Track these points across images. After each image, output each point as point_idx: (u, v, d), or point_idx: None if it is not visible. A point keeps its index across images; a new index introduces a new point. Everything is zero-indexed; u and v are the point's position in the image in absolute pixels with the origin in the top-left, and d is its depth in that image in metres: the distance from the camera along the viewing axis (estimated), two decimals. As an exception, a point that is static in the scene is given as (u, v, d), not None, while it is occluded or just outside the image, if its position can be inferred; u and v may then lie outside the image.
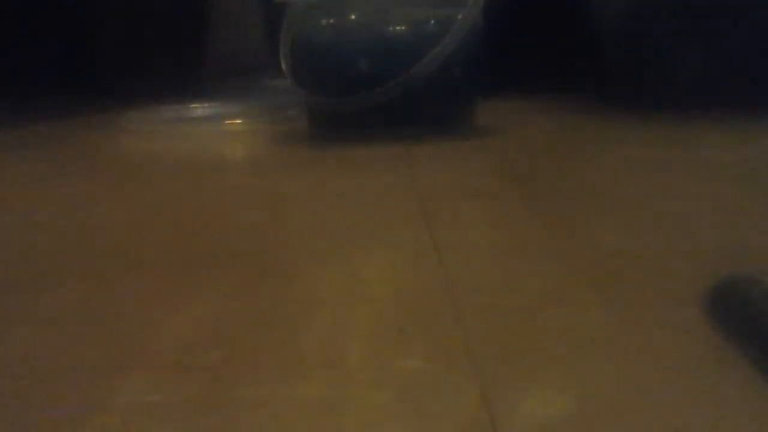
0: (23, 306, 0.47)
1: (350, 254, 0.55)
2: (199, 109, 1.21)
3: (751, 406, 0.32)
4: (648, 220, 0.61)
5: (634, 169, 0.79)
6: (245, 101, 1.32)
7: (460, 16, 0.94)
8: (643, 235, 0.57)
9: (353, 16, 1.00)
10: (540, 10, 1.20)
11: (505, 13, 1.03)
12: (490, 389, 0.34)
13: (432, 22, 0.96)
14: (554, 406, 0.33)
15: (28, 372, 0.39)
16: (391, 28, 0.98)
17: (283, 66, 1.01)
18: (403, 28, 0.98)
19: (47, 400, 0.36)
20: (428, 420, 0.32)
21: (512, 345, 0.39)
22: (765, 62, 1.02)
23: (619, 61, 1.14)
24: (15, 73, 1.32)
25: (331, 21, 0.99)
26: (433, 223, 0.60)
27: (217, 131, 1.11)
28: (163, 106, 1.19)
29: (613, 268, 0.50)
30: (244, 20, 1.70)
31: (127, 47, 1.43)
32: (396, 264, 0.53)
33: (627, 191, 0.70)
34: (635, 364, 0.37)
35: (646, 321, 0.42)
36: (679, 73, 1.08)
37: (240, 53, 1.70)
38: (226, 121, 1.14)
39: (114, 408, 0.35)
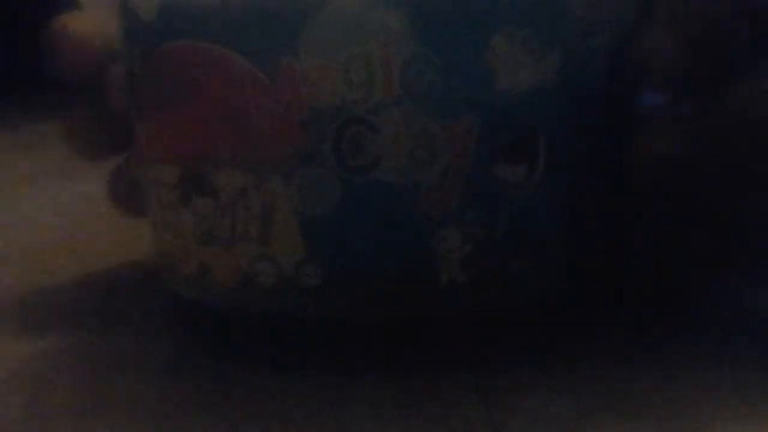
0: (23, 306, 0.47)
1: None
2: (199, 109, 1.21)
3: (750, 405, 0.32)
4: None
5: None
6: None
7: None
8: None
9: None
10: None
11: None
12: (490, 389, 0.34)
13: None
14: (554, 406, 0.33)
15: (29, 372, 0.39)
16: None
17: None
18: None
19: (48, 399, 0.36)
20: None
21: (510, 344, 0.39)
22: None
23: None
24: (15, 73, 1.32)
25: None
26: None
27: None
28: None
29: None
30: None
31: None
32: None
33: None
34: (635, 363, 0.37)
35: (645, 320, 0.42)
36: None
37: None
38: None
39: (114, 407, 0.35)
